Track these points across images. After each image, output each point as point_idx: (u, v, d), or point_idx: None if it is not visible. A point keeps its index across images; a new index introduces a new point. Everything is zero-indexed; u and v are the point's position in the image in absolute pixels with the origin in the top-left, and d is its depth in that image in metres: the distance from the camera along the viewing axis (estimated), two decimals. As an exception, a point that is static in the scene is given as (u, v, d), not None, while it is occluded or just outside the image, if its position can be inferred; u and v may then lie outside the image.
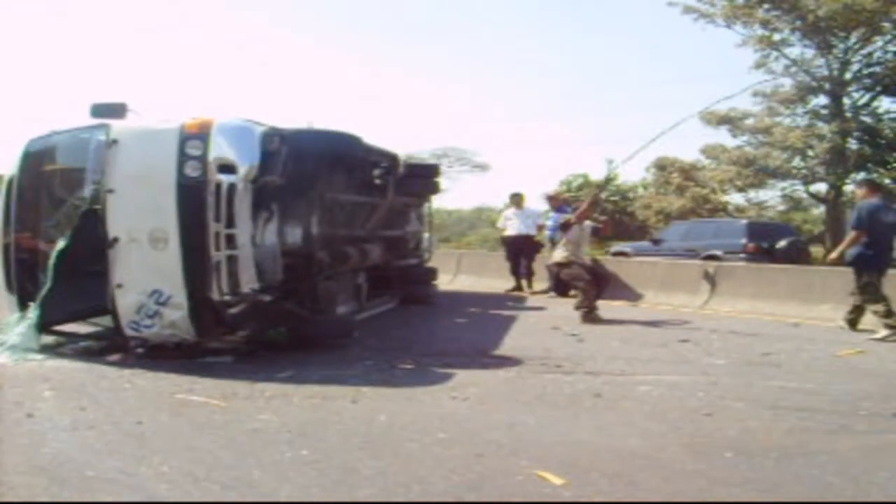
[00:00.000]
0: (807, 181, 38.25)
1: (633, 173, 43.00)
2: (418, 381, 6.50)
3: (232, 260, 6.95)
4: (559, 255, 10.62)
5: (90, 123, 7.66)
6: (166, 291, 7.05)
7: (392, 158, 10.75)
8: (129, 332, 7.26)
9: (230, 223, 6.87)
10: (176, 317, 7.10)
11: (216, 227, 6.85)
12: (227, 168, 6.84)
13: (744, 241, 16.46)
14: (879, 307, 9.13)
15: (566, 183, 46.70)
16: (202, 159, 6.83)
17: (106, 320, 7.53)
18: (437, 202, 50.48)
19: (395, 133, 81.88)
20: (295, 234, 7.73)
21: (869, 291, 9.28)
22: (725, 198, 39.85)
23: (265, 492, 3.84)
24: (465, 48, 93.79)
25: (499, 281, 14.67)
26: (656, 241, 18.12)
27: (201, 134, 6.86)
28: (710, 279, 12.08)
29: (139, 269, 7.08)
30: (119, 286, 7.15)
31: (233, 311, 7.19)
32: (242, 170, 6.85)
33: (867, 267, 9.28)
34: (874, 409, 5.62)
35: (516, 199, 14.74)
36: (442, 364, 7.13)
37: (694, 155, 40.93)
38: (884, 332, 8.89)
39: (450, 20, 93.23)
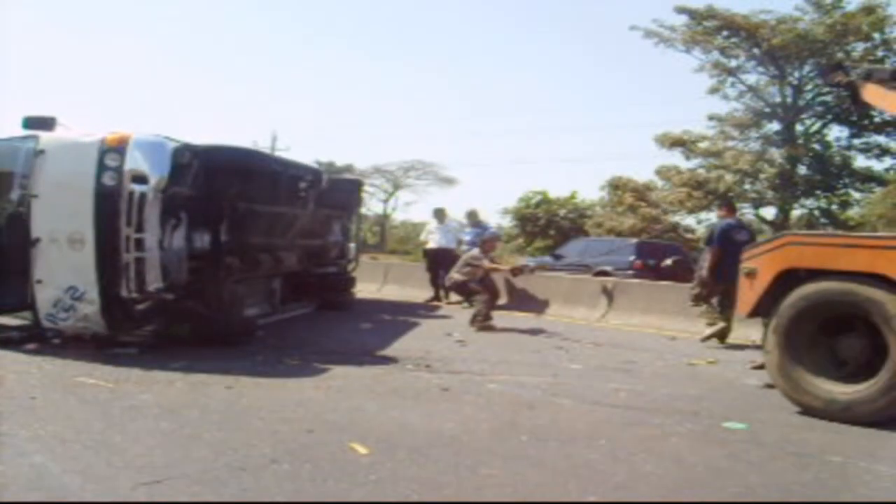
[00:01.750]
0: (756, 205, 39.74)
1: (592, 192, 44.20)
2: (294, 373, 7.32)
3: (140, 261, 7.73)
4: (457, 277, 11.59)
5: (23, 134, 8.44)
6: (81, 288, 7.83)
7: (314, 173, 11.61)
8: (46, 323, 8.04)
9: (140, 228, 7.66)
10: (89, 311, 7.88)
11: (127, 231, 7.64)
12: (140, 178, 7.64)
13: (632, 258, 17.78)
14: (704, 310, 10.20)
15: (525, 199, 47.65)
16: (118, 170, 7.63)
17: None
18: (402, 214, 50.93)
19: (362, 146, 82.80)
20: (203, 240, 8.51)
21: (697, 299, 10.32)
22: (676, 218, 41.02)
23: (116, 450, 4.64)
24: (433, 65, 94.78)
25: (422, 291, 15.50)
26: (557, 257, 19.42)
27: (119, 147, 7.65)
28: (608, 294, 13.02)
29: (57, 267, 7.86)
30: (39, 282, 7.94)
31: (140, 307, 7.97)
32: (153, 180, 7.64)
33: (715, 280, 10.27)
34: (681, 408, 6.51)
35: (439, 214, 15.59)
36: (325, 361, 7.92)
37: (649, 175, 42.18)
38: (708, 332, 9.94)
39: (421, 37, 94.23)
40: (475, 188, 78.41)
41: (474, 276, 11.50)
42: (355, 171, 62.70)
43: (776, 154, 37.43)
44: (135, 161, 7.60)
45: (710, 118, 38.89)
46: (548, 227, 44.59)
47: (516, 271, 12.65)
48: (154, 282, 7.83)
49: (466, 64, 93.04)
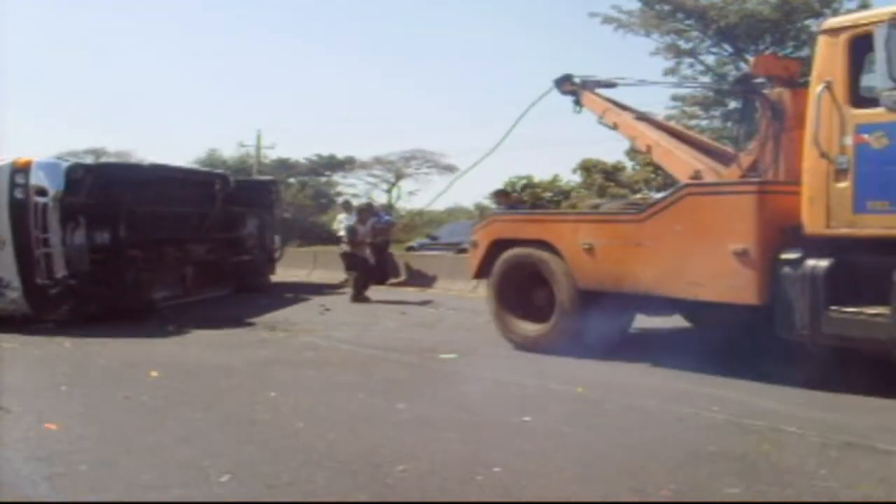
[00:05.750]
0: (721, 181, 41.68)
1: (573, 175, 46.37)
2: (162, 335, 9.67)
3: (48, 255, 10.16)
4: (344, 248, 13.94)
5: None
6: (6, 278, 10.26)
7: (221, 178, 14.03)
8: (-16, 308, 10.48)
9: (45, 230, 10.08)
10: (15, 296, 10.31)
11: (36, 232, 10.06)
12: (42, 192, 10.05)
13: None
14: None
15: (510, 184, 49.69)
16: (25, 186, 10.05)
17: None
18: (406, 204, 52.52)
19: (365, 136, 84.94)
20: (104, 237, 10.90)
21: None
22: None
23: (-12, 379, 7.03)
24: (433, 55, 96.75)
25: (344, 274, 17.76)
26: (433, 238, 21.82)
27: (25, 169, 10.07)
28: (479, 269, 15.26)
29: (-12, 263, 10.29)
30: (-24, 275, 10.37)
31: (53, 291, 10.37)
32: (51, 193, 10.06)
33: None
34: (426, 347, 8.75)
35: (346, 206, 17.87)
36: (197, 327, 10.24)
37: (619, 156, 43.98)
38: None
39: (419, 29, 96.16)
40: (474, 174, 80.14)
41: (356, 244, 13.73)
42: (356, 162, 64.83)
43: (738, 131, 39.17)
44: (37, 178, 10.00)
45: (674, 98, 40.73)
46: (533, 209, 46.11)
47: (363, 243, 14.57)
48: (60, 270, 10.24)
49: (447, 54, 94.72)
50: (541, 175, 48.90)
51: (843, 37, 6.43)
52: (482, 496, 4.14)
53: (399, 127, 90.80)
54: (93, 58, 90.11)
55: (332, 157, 64.74)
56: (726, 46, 40.25)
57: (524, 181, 49.64)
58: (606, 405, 6.14)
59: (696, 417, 5.74)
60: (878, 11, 6.36)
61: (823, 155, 6.43)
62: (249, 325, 10.58)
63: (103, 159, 47.74)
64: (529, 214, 9.89)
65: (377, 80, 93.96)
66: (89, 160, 47.46)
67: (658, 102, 51.97)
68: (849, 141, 6.30)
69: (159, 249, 12.21)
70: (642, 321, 8.90)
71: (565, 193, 47.48)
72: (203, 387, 6.78)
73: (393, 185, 69.58)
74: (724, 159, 8.47)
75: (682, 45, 41.17)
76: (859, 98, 6.32)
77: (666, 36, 41.14)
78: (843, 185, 6.32)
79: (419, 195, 60.21)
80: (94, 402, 6.21)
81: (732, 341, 7.84)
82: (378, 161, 65.67)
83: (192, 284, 13.46)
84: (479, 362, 7.95)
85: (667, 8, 39.71)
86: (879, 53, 5.88)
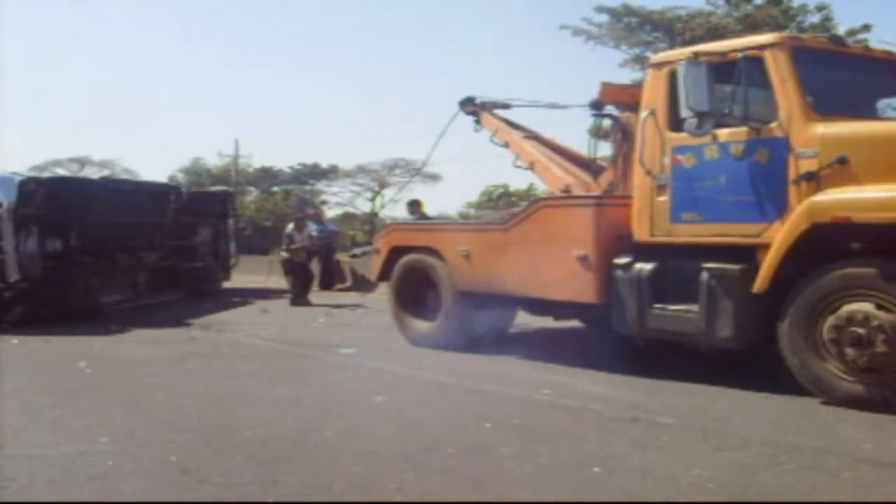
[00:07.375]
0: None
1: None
2: (104, 333, 10.71)
3: (2, 261, 11.23)
4: (283, 254, 15.03)
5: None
6: (-36, 282, 11.34)
7: (174, 189, 15.14)
8: (-59, 309, 11.55)
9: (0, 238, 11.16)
10: (-29, 299, 11.39)
11: (-10, 240, 11.15)
12: (-4, 203, 11.14)
13: None
14: None
15: (487, 193, 50.88)
16: (-20, 199, 11.14)
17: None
18: (390, 212, 53.80)
19: (347, 145, 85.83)
20: (56, 245, 11.98)
21: None
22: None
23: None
24: (415, 64, 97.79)
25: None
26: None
27: (-21, 182, 11.17)
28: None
29: (-52, 268, 11.37)
30: (-62, 279, 11.45)
31: (6, 294, 11.44)
32: (5, 205, 11.14)
33: None
34: (333, 342, 9.74)
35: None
36: (140, 327, 11.26)
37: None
38: None
39: (397, 36, 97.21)
40: (458, 183, 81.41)
41: (292, 251, 14.81)
42: (340, 171, 65.88)
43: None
44: (-9, 190, 11.09)
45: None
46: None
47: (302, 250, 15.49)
48: (13, 275, 11.31)
49: (428, 64, 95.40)
50: (518, 184, 50.34)
51: (664, 70, 7.53)
52: (305, 451, 5.21)
53: (383, 136, 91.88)
54: (79, 66, 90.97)
55: (315, 166, 65.52)
56: (696, 59, 41.36)
57: (500, 190, 50.87)
58: (454, 389, 7.21)
59: (523, 398, 6.79)
60: (685, 50, 7.50)
61: (648, 172, 7.52)
62: (187, 325, 11.59)
63: (87, 168, 49.16)
64: (420, 224, 10.97)
65: (361, 89, 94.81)
66: (74, 168, 48.65)
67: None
68: (667, 161, 7.40)
69: (111, 256, 13.25)
70: (546, 322, 9.85)
71: (541, 201, 48.62)
72: (120, 375, 7.86)
73: (377, 193, 70.40)
74: (599, 175, 9.53)
75: (650, 56, 42.29)
76: (675, 123, 7.37)
77: (634, 48, 42.28)
78: (662, 198, 7.41)
79: (403, 204, 61.11)
80: (21, 387, 7.27)
81: (599, 337, 8.93)
82: (361, 169, 66.43)
83: (144, 289, 14.48)
84: (372, 355, 8.99)
85: (634, 21, 40.84)
86: (680, 86, 6.97)
